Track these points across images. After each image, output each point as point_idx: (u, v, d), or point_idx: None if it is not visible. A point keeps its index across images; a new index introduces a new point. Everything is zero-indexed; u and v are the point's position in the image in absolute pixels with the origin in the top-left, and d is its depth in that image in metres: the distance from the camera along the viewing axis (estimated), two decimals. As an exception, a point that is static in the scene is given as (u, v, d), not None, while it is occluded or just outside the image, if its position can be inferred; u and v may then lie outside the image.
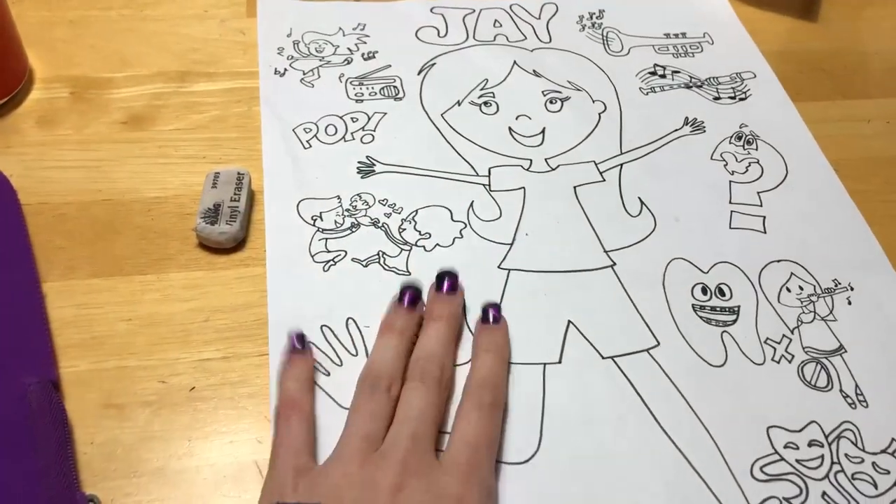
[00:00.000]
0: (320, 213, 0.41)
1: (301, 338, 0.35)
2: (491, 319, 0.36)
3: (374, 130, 0.46)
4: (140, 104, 0.47)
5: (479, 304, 0.38)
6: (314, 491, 0.29)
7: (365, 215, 0.41)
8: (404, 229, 0.41)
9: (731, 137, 0.48)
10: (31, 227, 0.39)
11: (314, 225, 0.41)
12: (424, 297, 0.37)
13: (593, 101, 0.49)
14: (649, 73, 0.51)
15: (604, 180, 0.44)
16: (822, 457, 0.34)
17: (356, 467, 0.29)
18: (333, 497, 0.28)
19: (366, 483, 0.29)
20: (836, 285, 0.41)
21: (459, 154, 0.45)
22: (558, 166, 0.45)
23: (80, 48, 0.50)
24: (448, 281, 0.37)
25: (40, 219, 0.40)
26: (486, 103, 0.48)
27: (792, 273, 0.41)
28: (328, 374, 0.35)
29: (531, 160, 0.45)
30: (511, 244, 0.41)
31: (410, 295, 0.36)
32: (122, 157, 0.43)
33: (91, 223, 0.40)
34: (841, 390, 0.36)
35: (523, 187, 0.44)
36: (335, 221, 0.41)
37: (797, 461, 0.34)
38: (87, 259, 0.39)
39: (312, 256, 0.39)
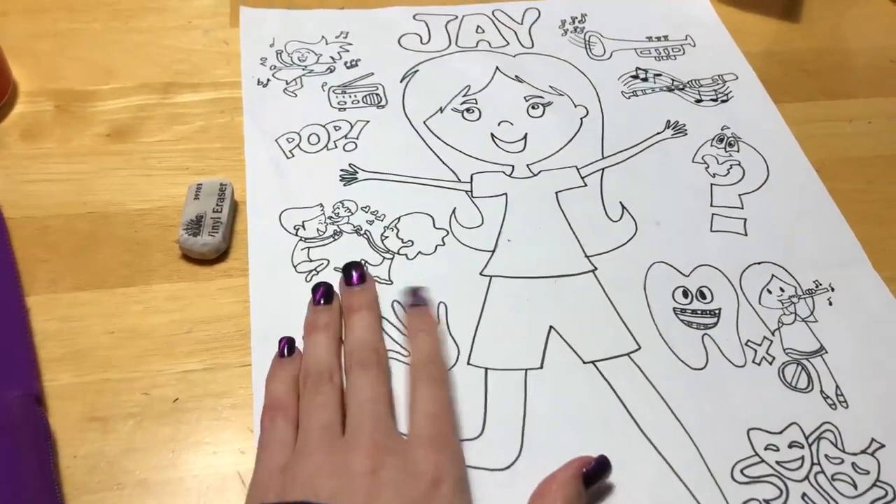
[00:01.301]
0: (302, 222, 0.41)
1: (290, 344, 0.35)
2: (417, 304, 0.37)
3: (357, 138, 0.46)
4: (124, 116, 0.47)
5: (462, 311, 0.38)
6: (292, 488, 0.28)
7: (347, 223, 0.41)
8: (386, 237, 0.41)
9: (713, 140, 0.48)
10: (14, 240, 0.40)
11: (296, 234, 0.41)
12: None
13: (575, 106, 0.49)
14: (631, 76, 0.52)
15: (585, 185, 0.45)
16: (803, 458, 0.34)
17: (325, 456, 0.29)
18: (310, 489, 0.28)
19: (339, 469, 0.29)
20: (816, 286, 0.41)
21: (442, 161, 0.45)
22: (540, 172, 0.45)
23: (64, 61, 0.50)
24: (356, 272, 0.38)
25: (24, 232, 0.40)
26: (468, 110, 0.48)
27: (773, 275, 0.41)
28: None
29: (513, 166, 0.45)
30: (493, 251, 0.41)
31: (322, 292, 0.37)
32: (106, 170, 0.44)
33: (74, 236, 0.40)
34: (821, 391, 0.37)
35: (505, 193, 0.44)
36: (318, 230, 0.41)
37: (777, 463, 0.34)
38: (70, 272, 0.39)
39: (295, 266, 0.39)
